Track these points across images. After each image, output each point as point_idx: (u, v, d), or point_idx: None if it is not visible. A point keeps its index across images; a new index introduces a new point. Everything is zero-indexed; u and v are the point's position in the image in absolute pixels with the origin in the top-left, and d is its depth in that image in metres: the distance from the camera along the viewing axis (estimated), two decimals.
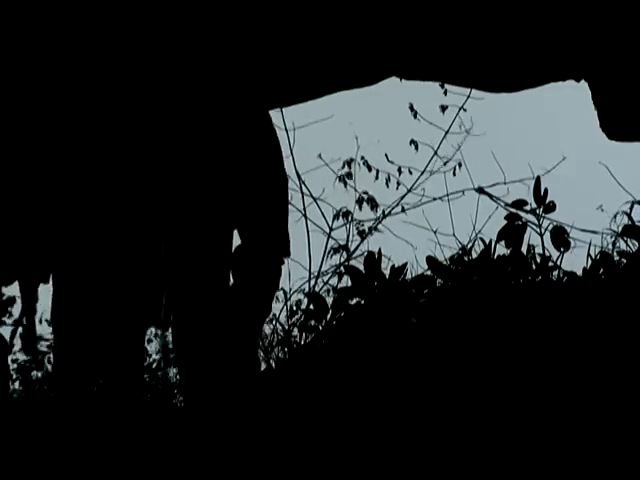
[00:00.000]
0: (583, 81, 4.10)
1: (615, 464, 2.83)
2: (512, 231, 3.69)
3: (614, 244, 4.19)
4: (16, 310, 6.51)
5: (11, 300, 6.40)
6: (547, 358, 3.16)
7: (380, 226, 5.79)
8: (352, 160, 5.96)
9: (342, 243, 5.70)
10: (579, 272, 3.68)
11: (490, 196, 5.01)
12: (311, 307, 3.79)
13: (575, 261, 3.81)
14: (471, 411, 3.06)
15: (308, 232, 5.57)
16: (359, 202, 5.87)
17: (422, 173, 5.83)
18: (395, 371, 3.25)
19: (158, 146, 3.58)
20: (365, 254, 3.77)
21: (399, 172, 5.90)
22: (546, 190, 3.79)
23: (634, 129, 4.09)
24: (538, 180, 3.79)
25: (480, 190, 5.19)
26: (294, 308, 5.28)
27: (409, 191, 5.79)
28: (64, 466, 3.28)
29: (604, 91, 4.06)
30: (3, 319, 6.38)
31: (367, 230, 5.75)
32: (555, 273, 3.70)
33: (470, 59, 4.01)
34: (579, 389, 3.05)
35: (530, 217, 3.80)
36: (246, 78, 3.75)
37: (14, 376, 5.95)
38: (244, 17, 3.73)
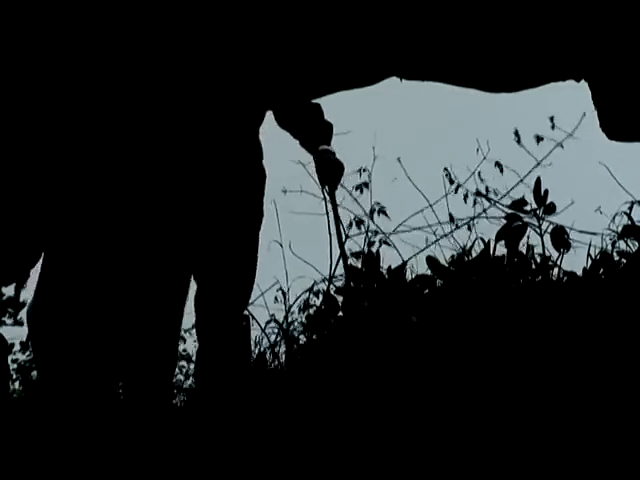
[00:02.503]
0: (583, 81, 4.10)
1: (615, 464, 2.83)
2: (511, 231, 3.69)
3: (614, 244, 4.19)
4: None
5: (11, 300, 6.41)
6: (547, 358, 3.16)
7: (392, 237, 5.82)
8: (365, 170, 6.00)
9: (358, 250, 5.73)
10: (579, 272, 3.68)
11: (488, 199, 5.02)
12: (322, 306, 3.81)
13: (575, 261, 3.82)
14: (471, 410, 3.06)
15: (330, 235, 5.55)
16: (371, 213, 5.93)
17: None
18: (396, 370, 3.25)
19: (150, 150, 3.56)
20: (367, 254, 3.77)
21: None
22: (546, 191, 3.80)
23: (634, 129, 4.09)
24: (538, 180, 3.80)
25: (478, 194, 5.20)
26: (301, 307, 5.29)
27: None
28: (64, 466, 3.28)
29: (604, 91, 4.06)
30: (3, 319, 6.39)
31: (378, 242, 5.79)
32: (555, 273, 3.70)
33: (470, 59, 4.00)
34: (579, 389, 3.05)
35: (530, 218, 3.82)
36: (245, 78, 3.74)
37: (14, 376, 5.95)
38: (243, 17, 3.72)
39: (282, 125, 3.71)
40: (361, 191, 5.93)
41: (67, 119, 3.59)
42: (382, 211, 5.87)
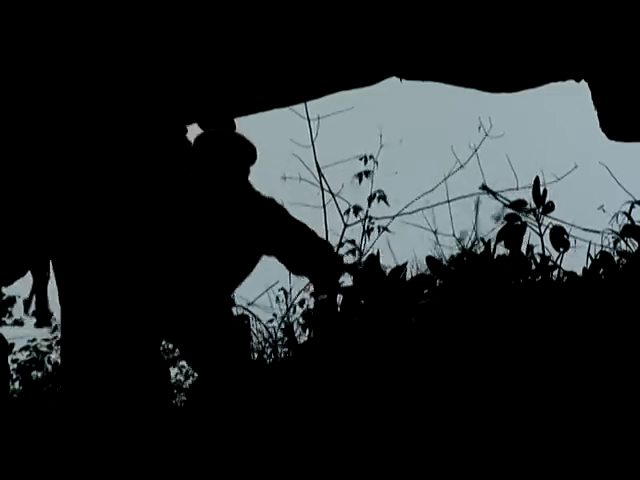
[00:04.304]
0: (583, 81, 4.10)
1: (615, 464, 2.83)
2: (512, 231, 3.69)
3: (615, 244, 4.19)
4: (17, 310, 6.53)
5: (11, 300, 6.41)
6: (547, 358, 3.16)
7: (391, 226, 5.80)
8: (371, 157, 5.97)
9: (356, 239, 5.72)
10: (579, 272, 3.68)
11: (494, 194, 4.99)
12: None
13: (575, 261, 3.81)
14: (471, 410, 3.06)
15: (327, 229, 5.52)
16: (370, 200, 5.90)
17: (445, 179, 5.81)
18: (395, 370, 3.25)
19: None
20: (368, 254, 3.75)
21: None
22: (545, 190, 3.79)
23: (634, 129, 4.09)
24: (537, 181, 3.79)
25: (484, 188, 5.17)
26: (298, 307, 5.27)
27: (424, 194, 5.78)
28: (64, 466, 3.28)
29: (604, 91, 4.06)
30: (3, 319, 6.39)
31: (377, 229, 5.77)
32: (555, 273, 3.70)
33: (470, 59, 4.01)
34: (579, 389, 3.05)
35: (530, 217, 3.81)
36: (246, 78, 3.75)
37: (14, 376, 5.95)
38: (245, 16, 3.73)
39: (296, 271, 3.70)
40: (362, 178, 5.89)
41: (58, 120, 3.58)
42: (381, 197, 5.83)
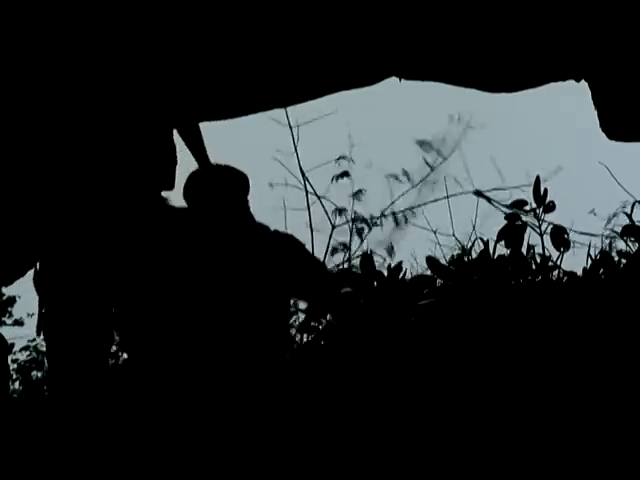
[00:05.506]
0: (583, 81, 4.10)
1: (615, 464, 2.83)
2: (512, 231, 3.69)
3: (610, 244, 4.19)
4: (17, 310, 6.53)
5: (11, 300, 6.41)
6: (547, 358, 3.17)
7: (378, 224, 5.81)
8: (344, 157, 6.00)
9: (345, 241, 5.73)
10: (579, 272, 3.68)
11: (488, 199, 5.00)
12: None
13: (575, 261, 3.82)
14: (471, 410, 3.06)
15: (312, 231, 5.55)
16: (352, 197, 5.93)
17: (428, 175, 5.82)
18: (395, 371, 3.25)
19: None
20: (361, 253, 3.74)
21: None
22: (546, 190, 3.80)
23: (634, 129, 4.09)
24: (537, 180, 3.80)
25: (477, 193, 5.17)
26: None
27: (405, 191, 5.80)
28: (63, 466, 3.28)
29: (604, 91, 4.06)
30: (3, 319, 6.38)
31: (365, 228, 5.79)
32: (555, 273, 3.70)
33: (470, 59, 4.01)
34: (579, 388, 3.05)
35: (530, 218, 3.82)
36: (246, 78, 3.75)
37: (14, 376, 5.94)
38: (245, 16, 3.73)
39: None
40: (338, 179, 5.92)
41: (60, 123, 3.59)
42: (358, 195, 5.87)
